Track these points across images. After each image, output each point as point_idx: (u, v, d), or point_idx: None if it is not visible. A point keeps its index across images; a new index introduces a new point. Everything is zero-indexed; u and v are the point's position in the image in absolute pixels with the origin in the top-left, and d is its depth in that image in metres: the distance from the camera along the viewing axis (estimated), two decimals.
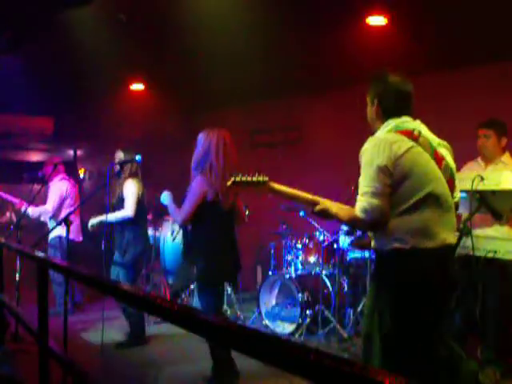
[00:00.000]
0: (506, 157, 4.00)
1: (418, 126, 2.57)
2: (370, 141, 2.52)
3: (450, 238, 2.48)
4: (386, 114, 2.59)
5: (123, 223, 4.79)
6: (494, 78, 5.37)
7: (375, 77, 2.71)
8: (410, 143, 2.44)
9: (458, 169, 4.04)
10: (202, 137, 3.69)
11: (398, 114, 2.57)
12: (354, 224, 2.83)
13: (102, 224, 4.78)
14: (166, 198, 3.85)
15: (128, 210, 4.75)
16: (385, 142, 2.44)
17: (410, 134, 2.48)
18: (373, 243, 2.60)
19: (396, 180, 2.40)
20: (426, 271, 2.41)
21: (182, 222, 3.69)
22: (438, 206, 2.44)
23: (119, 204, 4.83)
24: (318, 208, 2.56)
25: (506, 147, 4.02)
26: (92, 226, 4.86)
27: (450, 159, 2.58)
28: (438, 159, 2.50)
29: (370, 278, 4.67)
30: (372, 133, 2.64)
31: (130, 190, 4.81)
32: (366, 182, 2.44)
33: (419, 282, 2.40)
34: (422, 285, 2.40)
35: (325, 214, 2.56)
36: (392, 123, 2.56)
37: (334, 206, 2.56)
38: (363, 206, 2.40)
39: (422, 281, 2.40)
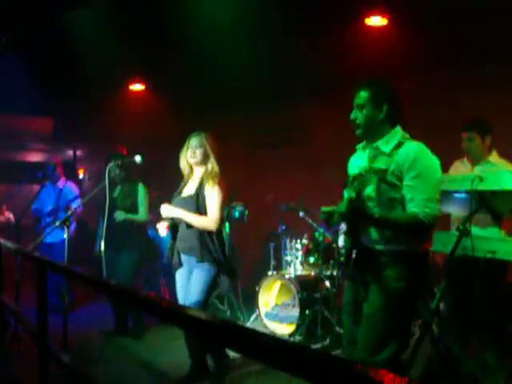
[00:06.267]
0: (493, 156, 3.89)
1: None
2: (420, 148, 2.54)
3: None
4: (393, 120, 2.65)
5: (120, 223, 4.82)
6: (494, 79, 5.36)
7: (379, 81, 2.72)
8: None
9: (446, 169, 4.05)
10: (199, 139, 3.75)
11: (400, 122, 2.66)
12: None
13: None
14: (171, 211, 3.73)
15: (143, 214, 4.97)
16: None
17: None
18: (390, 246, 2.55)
19: None
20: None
21: (218, 226, 3.67)
22: None
23: (134, 206, 4.93)
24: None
25: (491, 145, 3.91)
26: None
27: None
28: None
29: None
30: (358, 138, 2.78)
31: (143, 194, 4.99)
32: (434, 189, 2.50)
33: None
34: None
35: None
36: (405, 134, 2.64)
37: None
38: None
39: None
